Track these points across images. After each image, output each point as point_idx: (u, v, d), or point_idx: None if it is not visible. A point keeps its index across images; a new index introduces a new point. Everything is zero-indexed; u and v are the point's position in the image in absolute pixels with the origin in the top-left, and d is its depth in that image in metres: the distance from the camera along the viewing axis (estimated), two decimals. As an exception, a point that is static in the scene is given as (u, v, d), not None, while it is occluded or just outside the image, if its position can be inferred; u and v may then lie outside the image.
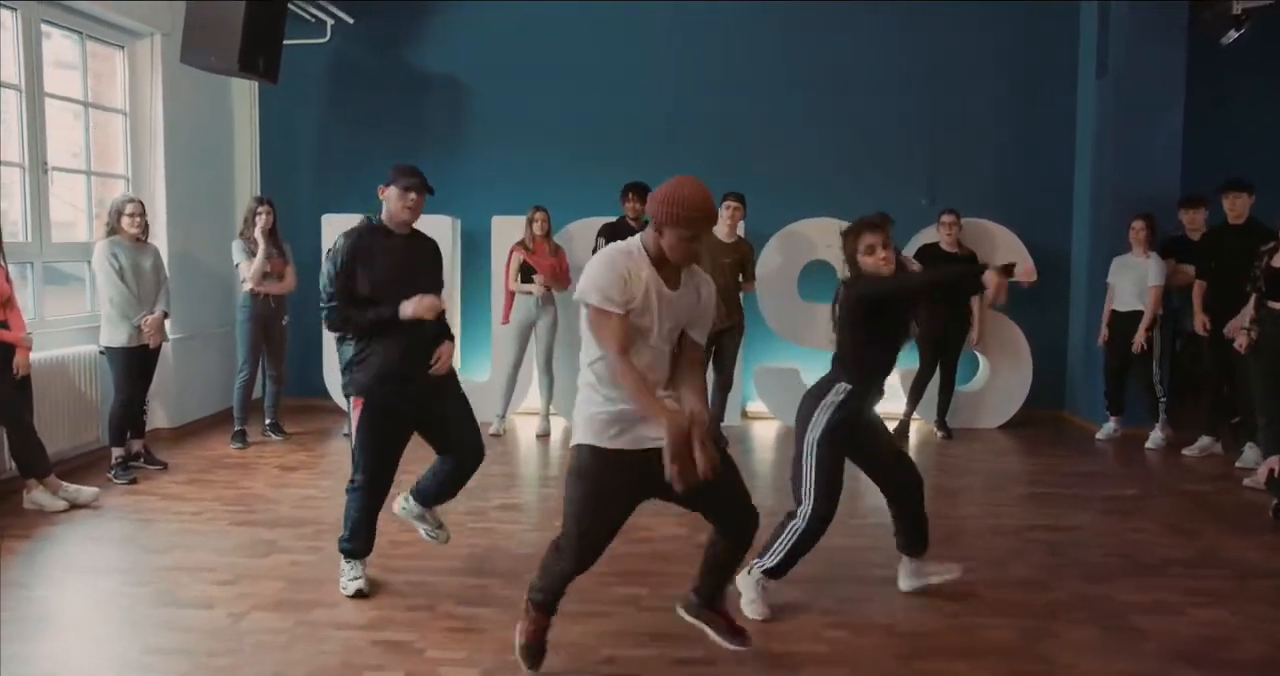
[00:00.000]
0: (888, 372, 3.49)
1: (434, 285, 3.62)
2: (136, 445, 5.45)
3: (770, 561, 3.47)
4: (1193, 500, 5.04)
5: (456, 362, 4.05)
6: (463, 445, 3.68)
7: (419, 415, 3.60)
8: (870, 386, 3.44)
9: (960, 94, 7.31)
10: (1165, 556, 4.12)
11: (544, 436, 6.56)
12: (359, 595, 3.55)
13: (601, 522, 2.74)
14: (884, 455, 3.57)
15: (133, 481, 5.20)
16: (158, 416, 6.30)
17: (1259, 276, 5.12)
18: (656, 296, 2.63)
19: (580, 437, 2.72)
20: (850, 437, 3.42)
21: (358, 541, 3.62)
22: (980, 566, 4.01)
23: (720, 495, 2.75)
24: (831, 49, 7.34)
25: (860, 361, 3.41)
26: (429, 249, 3.68)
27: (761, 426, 7.03)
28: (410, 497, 3.82)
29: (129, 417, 5.33)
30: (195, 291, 6.45)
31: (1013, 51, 7.29)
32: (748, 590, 3.47)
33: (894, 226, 3.41)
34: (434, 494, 3.79)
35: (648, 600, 3.52)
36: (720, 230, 6.07)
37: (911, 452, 6.35)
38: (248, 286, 5.98)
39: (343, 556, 3.64)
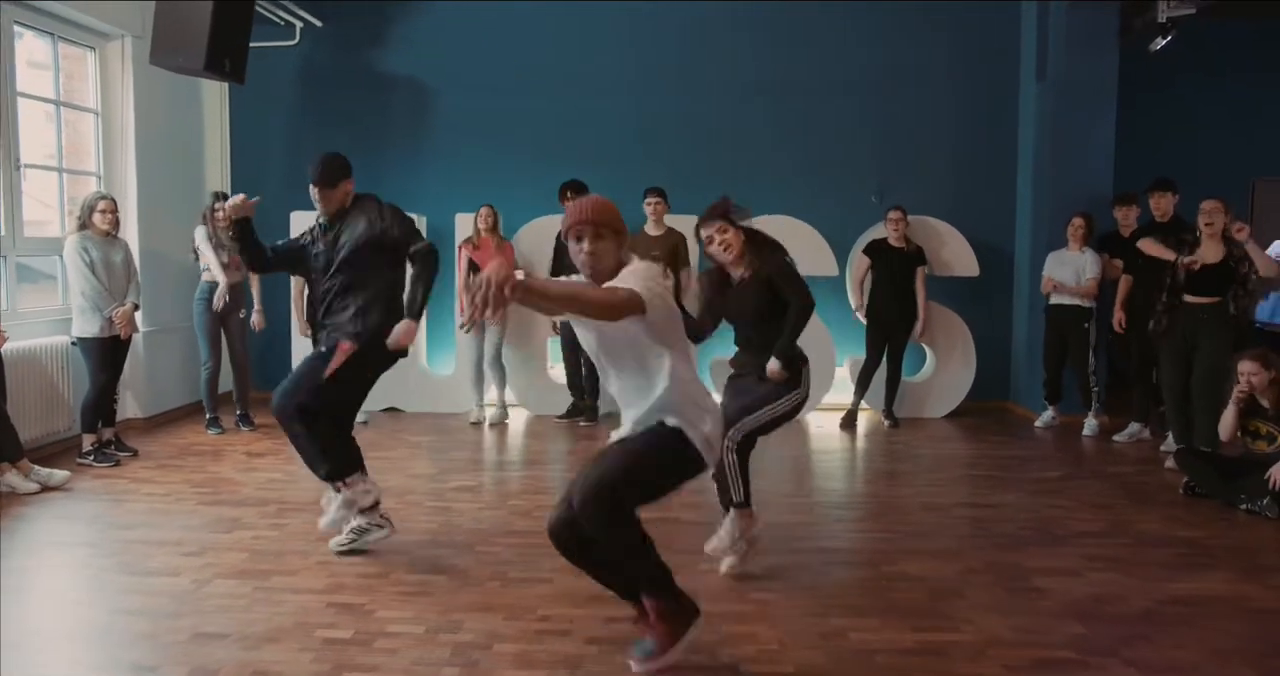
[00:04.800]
0: (742, 344, 3.83)
1: None
2: (108, 433, 5.63)
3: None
4: (1114, 481, 5.34)
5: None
6: None
7: None
8: (737, 354, 3.85)
9: (910, 97, 7.62)
10: (1076, 529, 4.40)
11: (498, 424, 6.85)
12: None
13: None
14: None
15: (116, 463, 5.42)
16: (130, 407, 6.49)
17: (1177, 246, 5.48)
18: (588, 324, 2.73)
19: None
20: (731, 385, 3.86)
21: None
22: (905, 538, 4.29)
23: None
24: (786, 54, 7.62)
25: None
26: None
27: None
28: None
29: (102, 405, 5.52)
30: (164, 286, 6.65)
31: (959, 57, 7.60)
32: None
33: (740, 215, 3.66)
34: None
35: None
36: (646, 225, 6.56)
37: (860, 439, 6.63)
38: (206, 276, 6.30)
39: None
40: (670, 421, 2.74)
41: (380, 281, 3.90)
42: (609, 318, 2.51)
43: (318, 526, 4.04)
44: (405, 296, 3.94)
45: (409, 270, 3.95)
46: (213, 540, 4.12)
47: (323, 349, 3.88)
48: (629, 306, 2.49)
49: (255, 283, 6.61)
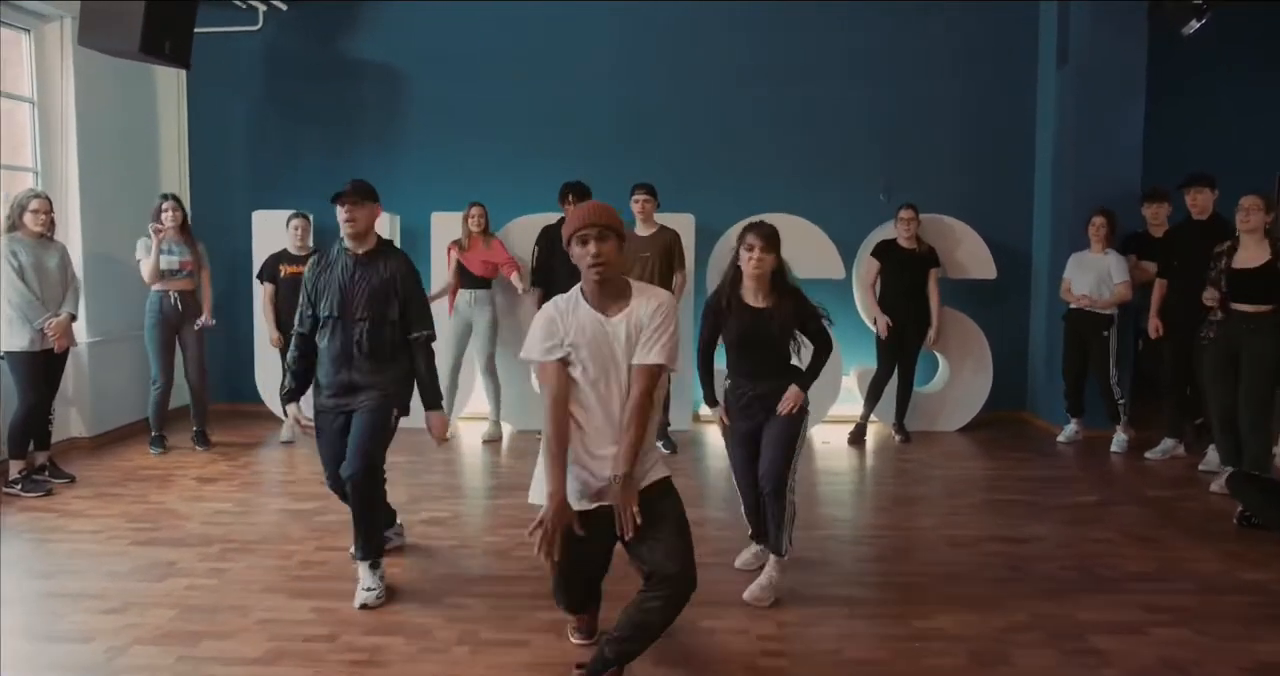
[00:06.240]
0: (752, 372, 3.60)
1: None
2: (41, 457, 5.08)
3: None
4: (1155, 507, 4.83)
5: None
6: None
7: None
8: (740, 380, 3.63)
9: (918, 86, 7.08)
10: (1126, 570, 3.89)
11: (492, 442, 6.29)
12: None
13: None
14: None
15: (48, 492, 4.88)
16: (74, 425, 5.94)
17: (1218, 277, 4.91)
18: (591, 330, 2.69)
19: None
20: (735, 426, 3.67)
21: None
22: (933, 582, 3.78)
23: (654, 547, 2.67)
24: (785, 41, 7.08)
25: (728, 356, 3.70)
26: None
27: (714, 431, 6.75)
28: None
29: (32, 428, 4.97)
30: (113, 292, 6.08)
31: (972, 42, 7.07)
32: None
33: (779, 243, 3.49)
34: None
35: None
36: (635, 225, 5.91)
37: (869, 456, 6.12)
38: (156, 286, 5.73)
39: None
40: (661, 472, 2.83)
41: (399, 330, 3.67)
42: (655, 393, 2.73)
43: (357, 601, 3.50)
44: (423, 385, 3.71)
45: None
46: (139, 591, 3.57)
47: (356, 405, 3.59)
48: (663, 375, 2.74)
49: (207, 290, 5.99)
